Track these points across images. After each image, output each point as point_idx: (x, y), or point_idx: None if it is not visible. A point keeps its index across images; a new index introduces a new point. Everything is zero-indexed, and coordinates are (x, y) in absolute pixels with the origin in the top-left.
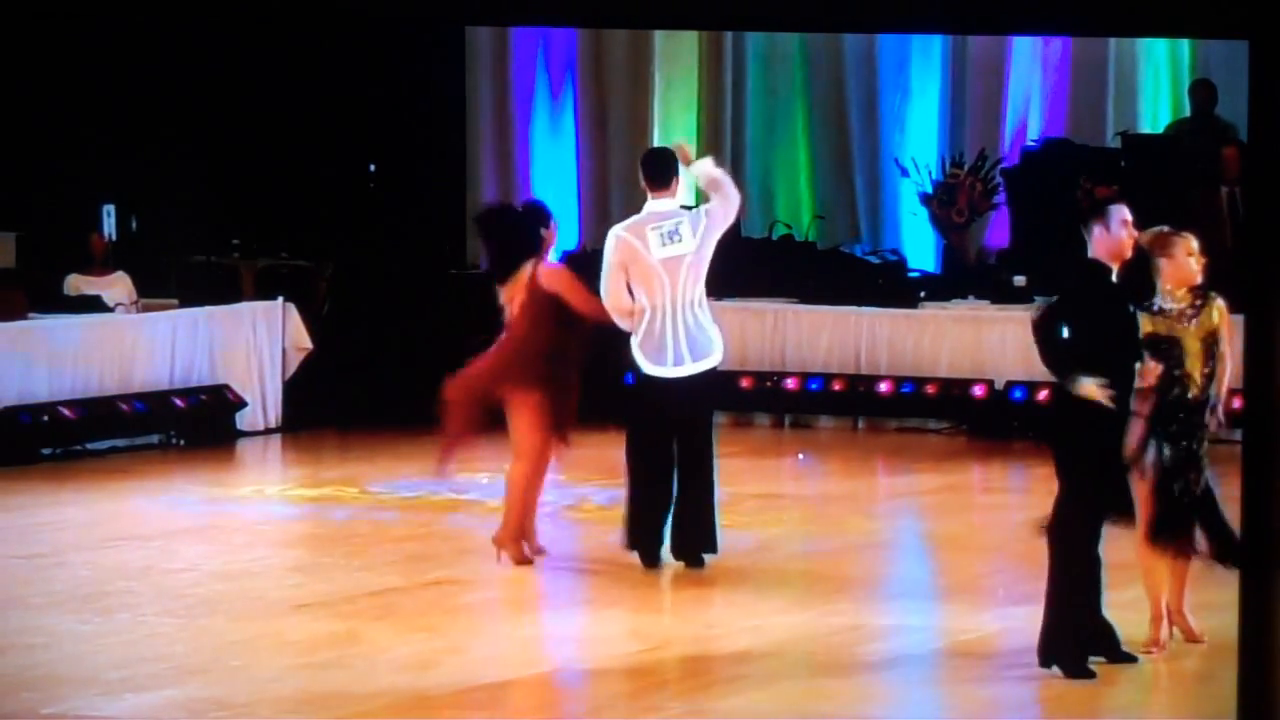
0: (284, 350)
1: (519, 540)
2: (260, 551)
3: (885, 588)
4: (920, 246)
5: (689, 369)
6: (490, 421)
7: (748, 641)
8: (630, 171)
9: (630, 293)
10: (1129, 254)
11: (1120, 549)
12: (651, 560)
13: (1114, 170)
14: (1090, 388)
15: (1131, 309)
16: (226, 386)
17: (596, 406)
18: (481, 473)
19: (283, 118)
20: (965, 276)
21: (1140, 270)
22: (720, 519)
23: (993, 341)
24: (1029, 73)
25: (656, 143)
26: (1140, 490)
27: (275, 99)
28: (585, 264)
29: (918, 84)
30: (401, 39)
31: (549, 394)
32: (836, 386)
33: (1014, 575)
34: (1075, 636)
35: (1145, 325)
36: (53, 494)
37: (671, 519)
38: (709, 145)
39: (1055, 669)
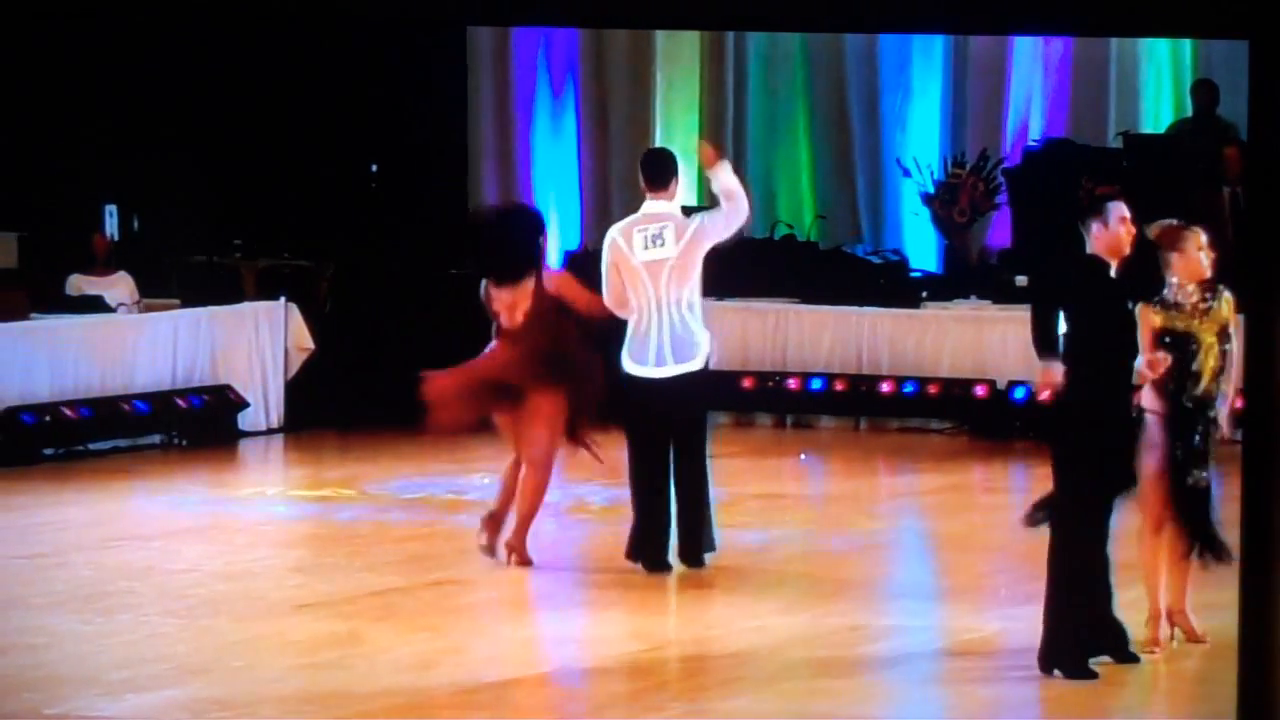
0: (286, 350)
1: (524, 541)
2: (262, 552)
3: (886, 588)
4: (922, 246)
5: (670, 370)
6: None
7: (749, 641)
8: (631, 172)
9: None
10: (1127, 250)
11: (1120, 549)
12: (653, 568)
13: (1116, 170)
14: (1047, 373)
15: (1130, 305)
16: (228, 387)
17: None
18: (481, 472)
19: (284, 118)
20: (967, 276)
21: (1144, 264)
22: (717, 518)
23: (994, 341)
24: (1030, 72)
25: (658, 142)
26: (1150, 486)
27: (277, 99)
28: (587, 263)
29: (919, 84)
30: (403, 39)
31: (567, 400)
32: (838, 386)
33: (1016, 575)
34: (1075, 638)
35: (1156, 319)
36: (54, 494)
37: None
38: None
39: (1056, 672)
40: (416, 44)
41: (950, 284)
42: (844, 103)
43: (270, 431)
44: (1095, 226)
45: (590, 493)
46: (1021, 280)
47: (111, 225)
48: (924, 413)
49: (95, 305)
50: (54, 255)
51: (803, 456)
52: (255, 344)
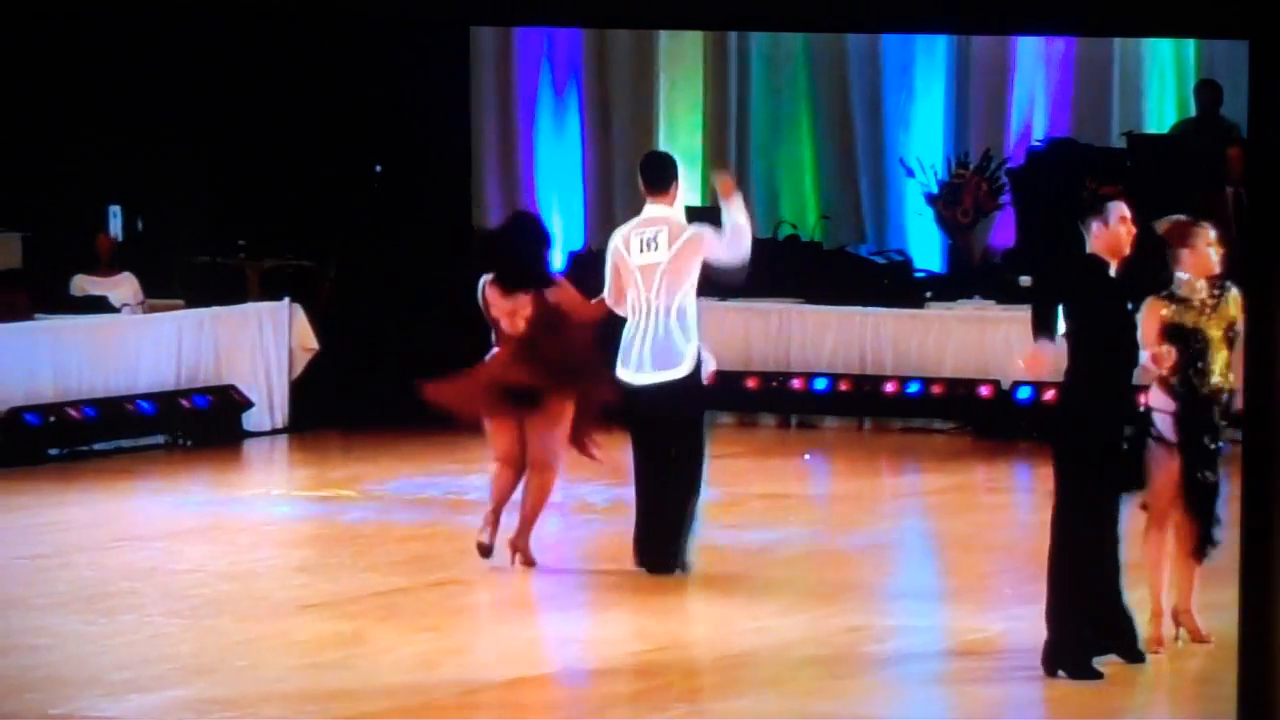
0: (290, 350)
1: (528, 541)
2: (266, 552)
3: (890, 588)
4: (926, 246)
5: (648, 377)
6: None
7: (751, 642)
8: (634, 172)
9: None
10: (1127, 250)
11: (1122, 549)
12: (653, 570)
13: (1119, 170)
14: (1035, 352)
15: (1130, 306)
16: (232, 387)
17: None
18: (484, 473)
19: (288, 118)
20: (971, 276)
21: (1145, 263)
22: (720, 518)
23: (998, 341)
24: (1034, 72)
25: (661, 143)
26: (1159, 484)
27: (280, 100)
28: (590, 264)
29: (922, 84)
30: (406, 40)
31: (576, 404)
32: (842, 387)
33: (1020, 575)
34: (1079, 638)
35: (1164, 312)
36: (58, 494)
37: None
38: (713, 145)
39: (1061, 673)
40: (419, 44)
41: (954, 284)
42: (847, 103)
43: (274, 432)
44: (1095, 226)
45: (592, 492)
46: (1025, 280)
47: (115, 226)
48: (928, 413)
49: (99, 305)
50: (58, 255)
51: (807, 456)
52: (259, 344)
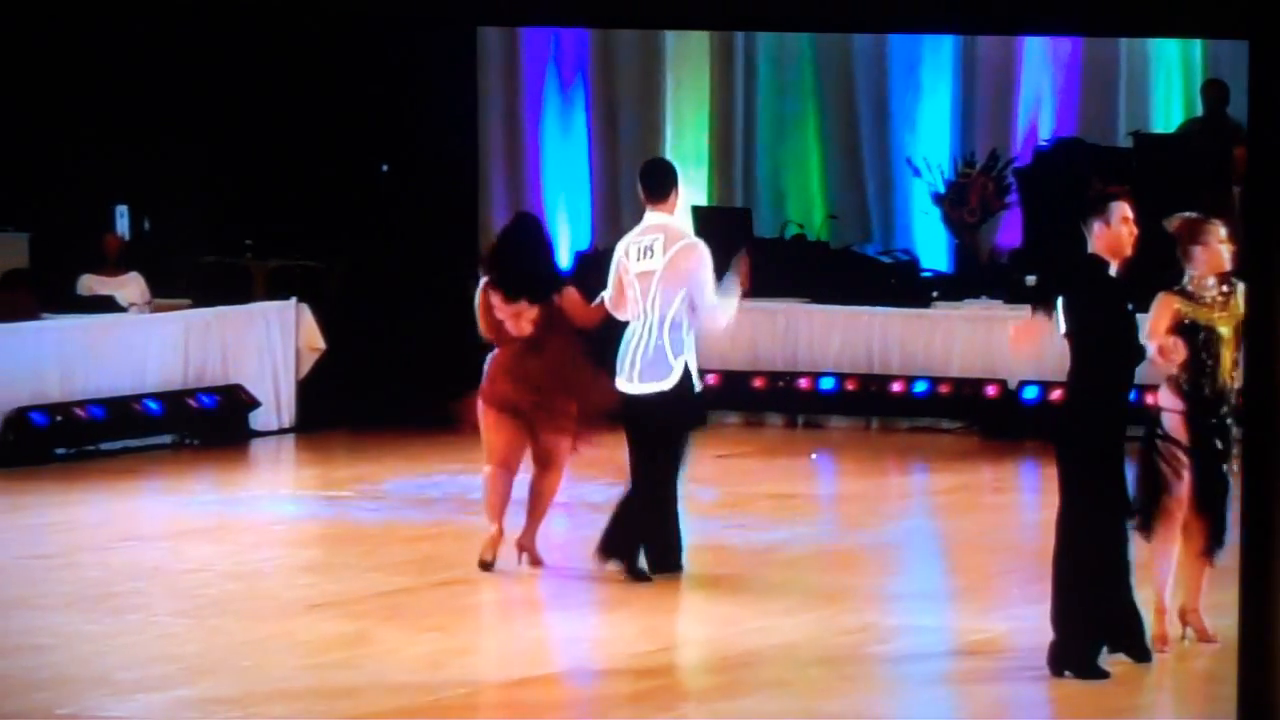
0: (297, 350)
1: (535, 541)
2: (272, 552)
3: (897, 587)
4: (932, 246)
5: (635, 387)
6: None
7: (758, 641)
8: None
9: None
10: (1129, 252)
11: (1131, 548)
12: (656, 570)
13: (1126, 170)
14: (1029, 321)
15: (1131, 306)
16: (239, 386)
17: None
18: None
19: (294, 118)
20: (977, 276)
21: (1148, 263)
22: (725, 517)
23: (1005, 341)
24: (1040, 72)
25: (668, 142)
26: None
27: (287, 100)
28: (597, 264)
29: (929, 83)
30: (412, 40)
31: (578, 404)
32: (849, 386)
33: (1026, 575)
34: (1084, 638)
35: (1178, 306)
36: (65, 494)
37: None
38: (720, 145)
39: (1067, 673)
40: (426, 44)
41: (961, 284)
42: (854, 102)
43: (281, 431)
44: (1097, 226)
45: (598, 491)
46: (1032, 280)
47: (122, 225)
48: (934, 412)
49: (106, 305)
50: (65, 255)
51: (814, 456)
52: (266, 344)
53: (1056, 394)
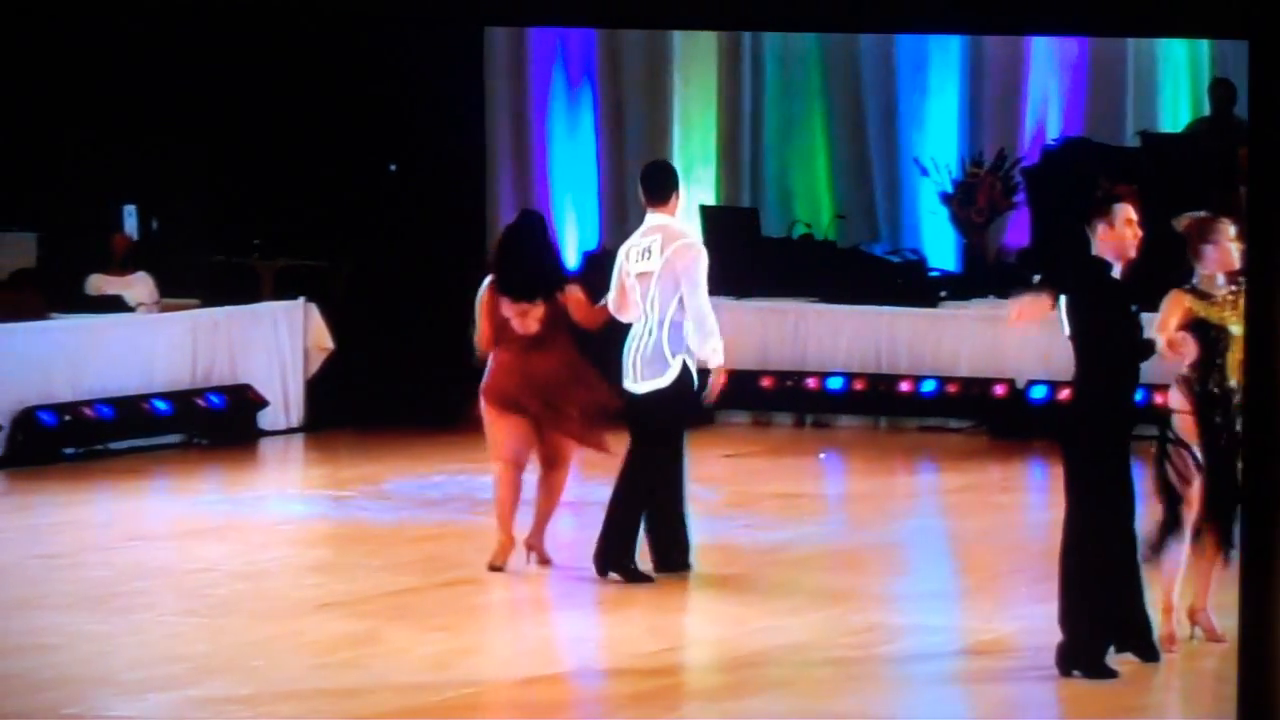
0: (305, 350)
1: (542, 540)
2: (280, 551)
3: (905, 587)
4: (940, 246)
5: (635, 387)
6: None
7: (765, 641)
8: None
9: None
10: (1133, 254)
11: (1139, 547)
12: (660, 570)
13: (1134, 169)
14: (1033, 299)
15: (1135, 308)
16: (248, 386)
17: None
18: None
19: (302, 118)
20: (985, 276)
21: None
22: (733, 516)
23: (1013, 340)
24: (1047, 72)
25: (676, 142)
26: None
27: (295, 99)
28: (604, 263)
29: (936, 83)
30: (420, 40)
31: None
32: (857, 386)
33: (1034, 574)
34: (1092, 637)
35: (1189, 304)
36: (73, 494)
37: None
38: (727, 145)
39: (1076, 673)
40: (433, 44)
41: (968, 283)
42: (861, 102)
43: (289, 431)
44: (1100, 227)
45: (601, 491)
46: (1036, 280)
47: (130, 225)
48: (943, 412)
49: (114, 305)
50: (73, 255)
51: (822, 455)
52: (274, 343)
53: (1065, 393)
